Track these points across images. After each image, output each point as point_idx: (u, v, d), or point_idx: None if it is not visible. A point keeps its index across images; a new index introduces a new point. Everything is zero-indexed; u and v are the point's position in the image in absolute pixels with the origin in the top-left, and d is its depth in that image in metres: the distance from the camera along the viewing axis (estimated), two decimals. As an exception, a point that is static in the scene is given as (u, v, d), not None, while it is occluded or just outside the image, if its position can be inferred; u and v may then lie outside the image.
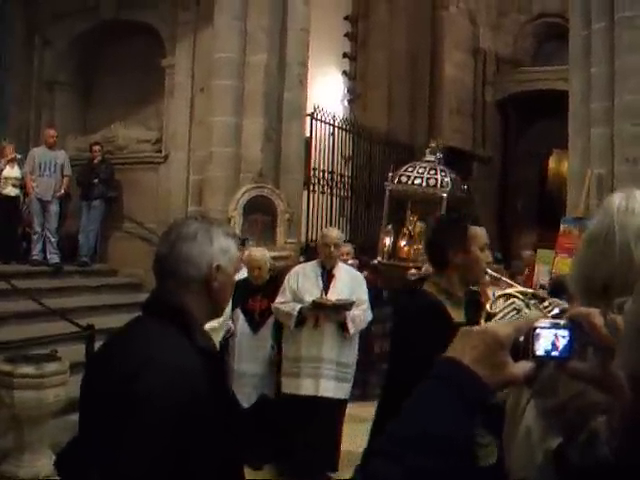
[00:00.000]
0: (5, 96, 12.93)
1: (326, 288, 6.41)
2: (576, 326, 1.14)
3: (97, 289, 10.87)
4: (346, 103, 15.55)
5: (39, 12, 12.98)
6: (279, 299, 6.46)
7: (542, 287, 8.46)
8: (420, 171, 10.98)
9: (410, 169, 11.14)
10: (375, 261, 10.86)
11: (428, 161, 11.26)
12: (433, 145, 11.59)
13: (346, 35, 15.68)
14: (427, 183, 10.83)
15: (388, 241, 11.15)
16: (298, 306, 6.30)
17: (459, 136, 17.69)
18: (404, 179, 11.03)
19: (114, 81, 12.63)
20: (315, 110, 12.64)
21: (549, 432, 1.40)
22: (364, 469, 1.09)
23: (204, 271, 2.11)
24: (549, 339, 1.15)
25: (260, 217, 10.56)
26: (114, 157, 12.37)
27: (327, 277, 6.47)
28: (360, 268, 8.76)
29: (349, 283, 6.53)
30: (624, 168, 8.64)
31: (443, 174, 10.93)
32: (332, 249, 6.43)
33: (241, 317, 6.83)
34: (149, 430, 1.81)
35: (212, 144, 10.94)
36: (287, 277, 6.60)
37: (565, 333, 1.14)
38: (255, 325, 6.83)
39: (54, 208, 11.37)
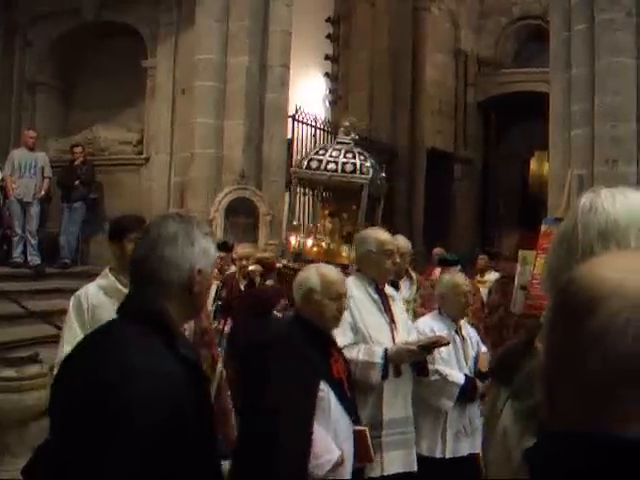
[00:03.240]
0: (-15, 97, 12.88)
1: (391, 318, 4.39)
2: None
3: (78, 291, 10.73)
4: (328, 104, 15.58)
5: (20, 13, 12.92)
6: (341, 340, 3.95)
7: (523, 287, 8.49)
8: (334, 154, 9.17)
9: (322, 152, 9.38)
10: (280, 264, 8.54)
11: (342, 143, 9.50)
12: (347, 124, 9.82)
13: (328, 37, 15.70)
14: (343, 169, 9.04)
15: (294, 240, 9.02)
16: (379, 349, 4.12)
17: (440, 137, 17.79)
18: (314, 164, 9.17)
19: (95, 82, 12.57)
20: (297, 111, 12.64)
21: (526, 432, 1.41)
22: None
23: (186, 275, 2.02)
24: None
25: (242, 219, 10.52)
26: (95, 159, 12.31)
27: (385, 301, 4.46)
28: (265, 275, 7.43)
29: (399, 305, 4.68)
30: (604, 169, 8.70)
31: (362, 158, 9.20)
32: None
33: (330, 394, 3.42)
34: (134, 441, 1.73)
35: (194, 146, 10.91)
36: None
37: None
38: (348, 403, 3.57)
39: (35, 210, 11.30)
